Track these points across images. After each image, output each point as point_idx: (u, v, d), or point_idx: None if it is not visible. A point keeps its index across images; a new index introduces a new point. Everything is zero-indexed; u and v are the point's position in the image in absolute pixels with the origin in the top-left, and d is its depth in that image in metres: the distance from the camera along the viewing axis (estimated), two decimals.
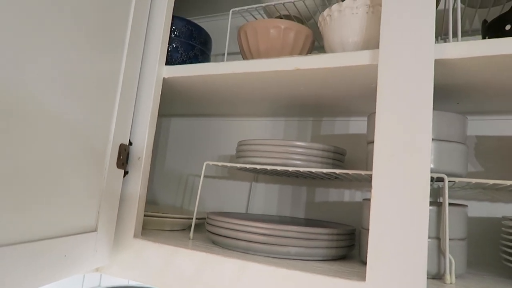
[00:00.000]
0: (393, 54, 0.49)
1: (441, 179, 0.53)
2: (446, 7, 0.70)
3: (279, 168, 0.62)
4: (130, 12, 0.61)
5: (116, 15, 0.58)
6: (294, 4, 0.68)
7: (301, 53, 0.67)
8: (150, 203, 1.05)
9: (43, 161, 0.46)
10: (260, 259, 0.54)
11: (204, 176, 0.98)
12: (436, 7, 0.59)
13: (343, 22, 0.57)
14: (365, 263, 0.59)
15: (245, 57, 0.70)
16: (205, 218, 0.77)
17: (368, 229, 0.58)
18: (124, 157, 0.63)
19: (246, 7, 0.72)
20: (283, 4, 0.69)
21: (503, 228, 0.57)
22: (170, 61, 0.78)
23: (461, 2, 0.67)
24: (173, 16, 0.77)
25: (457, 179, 0.52)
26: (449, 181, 0.52)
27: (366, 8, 0.56)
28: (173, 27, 0.79)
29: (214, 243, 0.64)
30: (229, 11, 1.00)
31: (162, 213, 0.94)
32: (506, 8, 0.69)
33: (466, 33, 0.74)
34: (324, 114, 0.85)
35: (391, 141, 0.47)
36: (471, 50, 0.47)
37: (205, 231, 0.81)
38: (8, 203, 0.42)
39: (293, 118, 0.89)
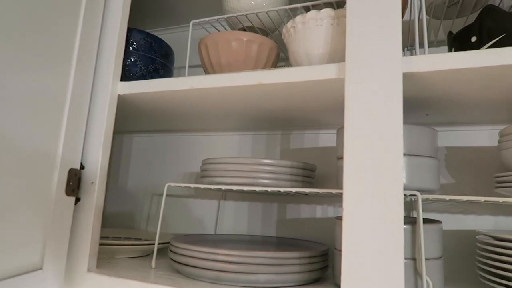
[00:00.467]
0: (360, 67, 0.47)
1: (414, 195, 0.51)
2: (412, 18, 0.69)
3: (245, 188, 0.58)
4: (78, 24, 0.56)
5: (60, 27, 0.53)
6: (257, 15, 0.65)
7: (265, 66, 0.64)
8: (113, 227, 0.98)
9: None
10: None
11: (170, 196, 0.92)
12: (402, 18, 0.57)
13: (308, 34, 0.55)
14: (339, 287, 0.55)
15: (206, 71, 0.66)
16: (169, 242, 0.71)
17: (340, 250, 0.55)
18: (74, 182, 0.57)
19: (207, 19, 0.68)
20: (246, 15, 0.66)
21: (478, 244, 0.55)
22: (128, 76, 0.73)
23: (426, 13, 0.66)
24: (131, 29, 0.72)
25: (430, 196, 0.50)
26: (422, 199, 0.50)
27: (331, 19, 0.54)
28: (131, 40, 0.74)
29: (179, 271, 0.59)
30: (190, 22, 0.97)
31: (125, 237, 0.88)
32: (471, 20, 0.69)
33: (432, 44, 0.73)
34: (294, 127, 0.82)
35: (361, 159, 0.44)
36: (439, 63, 0.45)
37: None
38: None
39: (261, 132, 0.85)
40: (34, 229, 0.49)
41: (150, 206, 0.95)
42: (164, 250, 0.82)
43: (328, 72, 0.50)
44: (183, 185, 0.62)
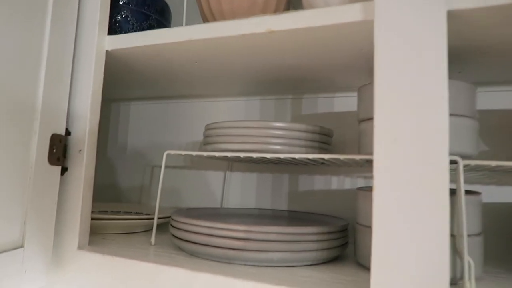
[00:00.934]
0: (393, 5, 0.38)
1: (454, 162, 0.43)
2: None
3: (254, 155, 0.50)
4: None
5: None
6: None
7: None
8: (113, 200, 0.92)
9: None
10: (236, 271, 0.43)
11: (172, 167, 0.85)
12: None
13: None
14: (362, 266, 0.49)
15: (206, 22, 0.58)
16: (170, 217, 0.65)
17: (364, 225, 0.48)
18: (59, 150, 0.50)
19: None
20: None
21: None
22: (119, 34, 0.65)
23: None
24: None
25: (472, 162, 0.42)
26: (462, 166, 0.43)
27: None
28: None
29: (180, 248, 0.53)
30: None
31: (125, 211, 0.82)
32: None
33: None
34: (305, 91, 0.74)
35: (396, 118, 0.36)
36: None
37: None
38: None
39: (269, 96, 0.77)
40: (10, 202, 0.43)
41: (152, 179, 0.88)
42: (166, 225, 0.77)
43: (352, 13, 0.41)
44: (183, 152, 0.55)
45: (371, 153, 0.38)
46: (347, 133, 0.70)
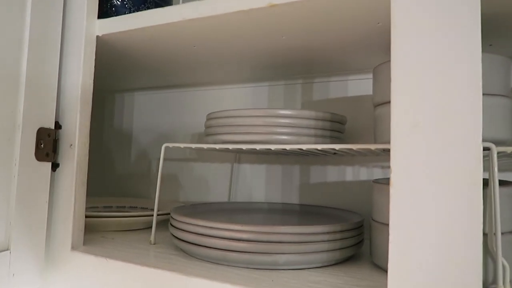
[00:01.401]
0: None
1: (486, 149, 0.37)
2: None
3: (258, 147, 0.46)
4: None
5: None
6: None
7: None
8: (121, 194, 0.89)
9: None
10: (237, 276, 0.39)
11: (178, 160, 0.82)
12: None
13: None
14: (378, 267, 0.44)
15: None
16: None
17: (380, 222, 0.43)
18: (48, 145, 0.46)
19: None
20: None
21: None
22: None
23: None
24: None
25: (508, 149, 0.36)
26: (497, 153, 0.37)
27: None
28: None
29: (181, 249, 0.49)
30: None
31: (131, 206, 0.79)
32: None
33: None
34: (316, 74, 0.68)
35: (416, 100, 0.30)
36: None
37: None
38: None
39: (278, 82, 0.72)
40: None
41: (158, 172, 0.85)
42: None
43: None
44: (182, 145, 0.51)
45: (388, 142, 0.33)
46: (363, 119, 0.64)
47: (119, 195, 0.88)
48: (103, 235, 0.57)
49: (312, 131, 0.49)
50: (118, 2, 0.61)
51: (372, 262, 0.46)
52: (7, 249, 0.41)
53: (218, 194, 0.76)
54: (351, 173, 0.64)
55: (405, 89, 0.31)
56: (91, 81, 0.50)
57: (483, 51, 0.53)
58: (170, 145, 0.52)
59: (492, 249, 0.36)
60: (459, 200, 0.29)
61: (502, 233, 0.38)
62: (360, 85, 0.65)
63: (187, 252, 0.46)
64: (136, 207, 0.77)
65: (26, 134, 0.43)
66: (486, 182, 0.36)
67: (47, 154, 0.46)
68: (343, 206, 0.64)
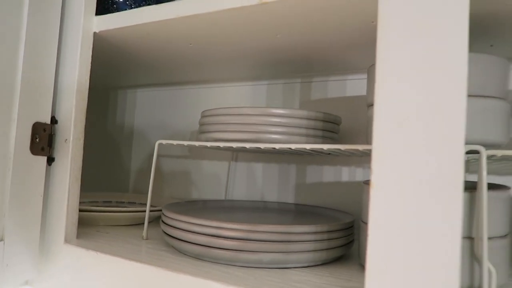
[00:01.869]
0: None
1: (475, 151, 0.36)
2: None
3: (248, 145, 0.46)
4: None
5: None
6: None
7: None
8: (122, 190, 0.90)
9: None
10: (221, 273, 0.39)
11: (176, 157, 0.82)
12: None
13: None
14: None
15: None
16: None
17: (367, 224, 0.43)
18: (43, 139, 0.47)
19: None
20: None
21: None
22: None
23: None
24: None
25: (499, 152, 0.35)
26: (487, 156, 0.36)
27: None
28: None
29: (171, 245, 0.50)
30: None
31: (130, 201, 0.80)
32: None
33: None
34: (315, 74, 0.68)
35: (400, 100, 0.30)
36: None
37: None
38: None
39: (277, 80, 0.72)
40: None
41: (160, 168, 0.86)
42: None
43: None
44: (175, 142, 0.51)
45: None
46: (360, 119, 0.64)
47: (122, 191, 0.90)
48: (98, 230, 0.58)
49: (304, 131, 0.49)
50: None
51: (360, 264, 0.46)
52: (1, 240, 0.42)
53: (215, 191, 0.76)
54: (347, 174, 0.64)
55: (388, 89, 0.31)
56: (87, 77, 0.50)
57: (484, 51, 0.52)
58: (164, 142, 0.52)
59: (479, 254, 0.35)
60: (439, 202, 0.28)
61: (492, 238, 0.37)
62: (358, 85, 0.64)
63: (176, 247, 0.47)
64: (135, 202, 0.78)
65: (21, 128, 0.44)
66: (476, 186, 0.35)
67: (43, 148, 0.47)
68: (338, 206, 0.64)
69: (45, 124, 0.48)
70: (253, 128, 0.48)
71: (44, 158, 0.48)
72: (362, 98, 0.64)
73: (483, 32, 0.46)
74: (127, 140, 0.91)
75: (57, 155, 0.49)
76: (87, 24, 0.50)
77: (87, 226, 0.59)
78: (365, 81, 0.64)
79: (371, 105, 0.45)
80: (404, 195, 0.29)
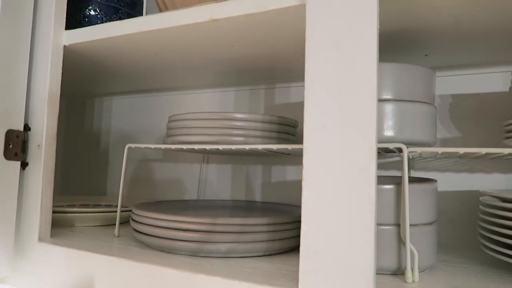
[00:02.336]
0: None
1: (399, 149, 0.42)
2: None
3: (208, 147, 0.50)
4: None
5: None
6: None
7: None
8: (99, 194, 0.94)
9: None
10: (182, 263, 0.43)
11: (151, 160, 0.86)
12: None
13: None
14: None
15: (160, 11, 0.57)
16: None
17: None
18: (16, 145, 0.51)
19: None
20: None
21: (481, 207, 0.46)
22: None
23: None
24: None
25: (418, 149, 0.40)
26: (411, 152, 0.41)
27: None
28: None
29: (140, 241, 0.54)
30: None
31: (106, 204, 0.83)
32: None
33: None
34: (277, 80, 0.73)
35: (323, 104, 0.35)
36: None
37: None
38: None
39: (243, 87, 0.77)
40: None
41: (137, 171, 0.89)
42: None
43: None
44: (143, 146, 0.55)
45: None
46: None
47: (100, 195, 0.93)
48: (73, 230, 0.61)
49: (262, 133, 0.54)
50: (91, 13, 0.66)
51: None
52: None
53: (188, 193, 0.80)
54: None
55: (314, 95, 0.36)
56: (59, 87, 0.54)
57: (419, 61, 0.57)
58: (133, 145, 0.56)
59: (403, 237, 0.40)
60: (356, 193, 0.33)
61: (416, 225, 0.42)
62: None
63: (144, 242, 0.51)
64: (112, 205, 0.81)
65: None
66: (409, 179, 0.40)
67: (16, 154, 0.51)
68: (300, 202, 0.68)
69: (18, 131, 0.51)
70: (214, 131, 0.53)
71: (18, 163, 0.52)
72: None
73: (418, 43, 0.51)
74: (104, 145, 0.94)
75: (30, 160, 0.53)
76: (57, 38, 0.54)
77: (63, 227, 0.62)
78: None
79: None
80: (327, 187, 0.34)
